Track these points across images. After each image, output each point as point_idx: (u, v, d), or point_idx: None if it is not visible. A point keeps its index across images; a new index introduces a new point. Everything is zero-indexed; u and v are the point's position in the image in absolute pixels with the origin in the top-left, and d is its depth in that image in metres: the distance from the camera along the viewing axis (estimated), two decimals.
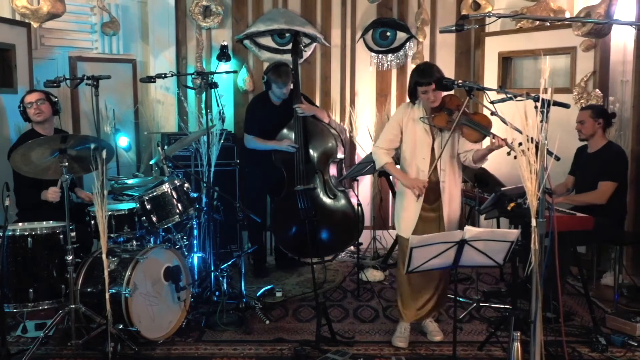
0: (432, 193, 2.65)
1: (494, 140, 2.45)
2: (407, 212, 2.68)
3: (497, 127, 2.53)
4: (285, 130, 3.67)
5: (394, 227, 3.28)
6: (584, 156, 3.21)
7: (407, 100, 2.72)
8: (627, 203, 3.21)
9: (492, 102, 2.35)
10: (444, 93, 2.61)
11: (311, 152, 3.68)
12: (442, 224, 2.67)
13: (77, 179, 3.43)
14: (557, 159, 2.18)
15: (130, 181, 3.25)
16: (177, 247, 3.04)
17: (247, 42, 4.29)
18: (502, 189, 2.74)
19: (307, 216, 3.51)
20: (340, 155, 3.76)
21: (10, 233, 2.52)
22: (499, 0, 4.23)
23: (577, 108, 3.38)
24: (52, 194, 2.86)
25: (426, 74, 2.54)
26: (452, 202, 2.67)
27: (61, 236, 2.58)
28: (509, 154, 2.36)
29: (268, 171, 3.68)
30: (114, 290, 2.52)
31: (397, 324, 2.77)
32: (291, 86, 3.65)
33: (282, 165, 3.65)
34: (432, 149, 2.64)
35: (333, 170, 3.79)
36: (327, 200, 3.66)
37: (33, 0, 3.45)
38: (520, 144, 2.23)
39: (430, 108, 2.61)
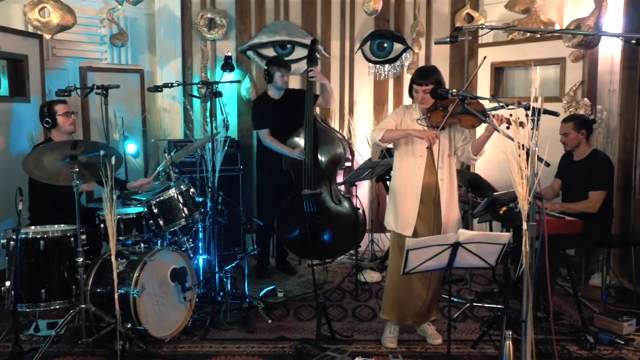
0: (428, 192, 2.63)
1: (493, 119, 2.42)
2: (405, 208, 2.65)
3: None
4: (295, 138, 3.69)
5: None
6: (571, 163, 3.25)
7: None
8: (613, 207, 3.26)
9: (485, 110, 2.42)
10: None
11: (320, 158, 3.69)
12: (439, 223, 2.63)
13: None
14: (547, 165, 2.21)
15: None
16: (183, 249, 3.08)
17: (250, 53, 4.38)
18: (495, 193, 2.79)
19: (311, 220, 3.54)
20: (348, 163, 3.78)
21: (23, 236, 2.55)
22: (491, 13, 4.34)
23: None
24: (140, 183, 3.15)
25: (423, 75, 2.61)
26: (450, 202, 2.65)
27: (72, 239, 2.62)
28: (508, 128, 2.34)
29: (278, 173, 3.70)
30: (122, 291, 2.57)
31: (385, 325, 2.79)
32: (289, 76, 3.73)
33: (291, 169, 3.66)
34: (430, 149, 2.61)
35: (340, 176, 3.83)
36: (332, 206, 3.67)
37: (44, 12, 3.54)
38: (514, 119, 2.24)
39: (425, 108, 2.65)
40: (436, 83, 2.59)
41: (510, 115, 2.33)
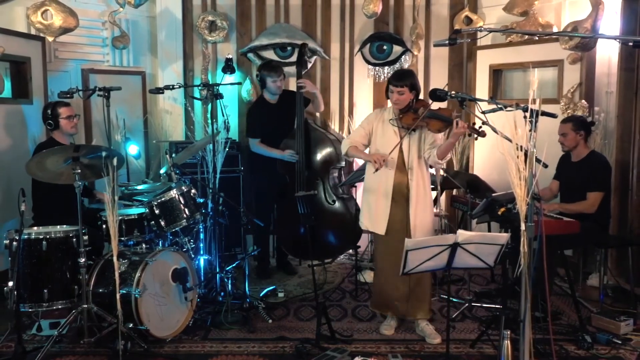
0: (399, 192, 2.76)
1: (457, 127, 2.52)
2: (377, 208, 2.80)
3: (490, 134, 2.62)
4: (290, 141, 3.70)
5: None
6: (569, 164, 3.27)
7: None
8: (611, 208, 3.27)
9: (483, 112, 2.43)
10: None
11: (313, 159, 3.72)
12: (408, 224, 2.75)
13: (89, 185, 3.53)
14: (545, 166, 2.23)
15: (139, 187, 3.35)
16: (184, 249, 3.10)
17: (250, 55, 4.41)
18: (493, 194, 2.82)
19: (306, 221, 3.56)
20: (342, 162, 3.83)
21: (26, 236, 2.58)
22: (489, 15, 4.36)
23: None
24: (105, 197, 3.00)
25: (400, 77, 2.74)
26: (419, 202, 2.75)
27: (74, 239, 2.65)
28: (476, 138, 2.50)
29: (275, 177, 3.72)
30: (124, 291, 2.59)
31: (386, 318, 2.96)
32: (283, 80, 3.74)
33: (286, 172, 3.69)
34: (401, 149, 2.76)
35: (335, 177, 3.86)
36: (327, 206, 3.69)
37: (47, 15, 3.57)
38: (481, 125, 2.36)
39: (398, 110, 2.76)
40: (411, 86, 2.72)
41: (474, 123, 2.41)
